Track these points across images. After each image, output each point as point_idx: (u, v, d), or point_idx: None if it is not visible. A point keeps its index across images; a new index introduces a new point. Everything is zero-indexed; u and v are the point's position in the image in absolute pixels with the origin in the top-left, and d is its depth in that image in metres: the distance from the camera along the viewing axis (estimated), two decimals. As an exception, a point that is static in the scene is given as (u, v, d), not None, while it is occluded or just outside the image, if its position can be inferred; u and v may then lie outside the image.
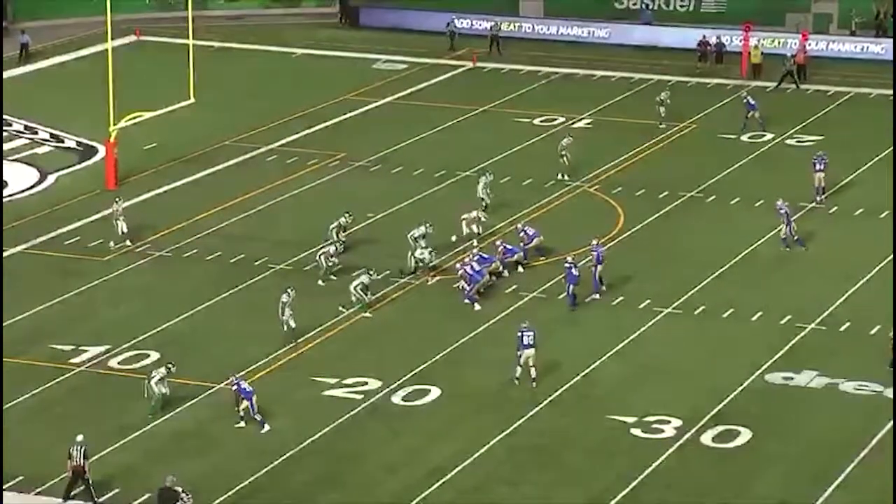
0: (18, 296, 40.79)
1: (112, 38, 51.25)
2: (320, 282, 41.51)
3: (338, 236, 43.08)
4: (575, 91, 59.95)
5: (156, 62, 61.24)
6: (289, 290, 38.05)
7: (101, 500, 31.46)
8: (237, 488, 31.94)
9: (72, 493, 31.37)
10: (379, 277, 40.52)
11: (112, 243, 43.99)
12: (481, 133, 54.87)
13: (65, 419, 34.55)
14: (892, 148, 51.50)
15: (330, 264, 41.67)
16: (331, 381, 36.58)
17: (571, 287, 40.02)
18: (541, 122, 55.81)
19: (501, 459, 33.24)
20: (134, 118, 50.87)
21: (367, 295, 39.73)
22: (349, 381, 36.57)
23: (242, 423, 34.19)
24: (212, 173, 51.01)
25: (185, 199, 48.55)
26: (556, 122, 55.56)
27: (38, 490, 31.60)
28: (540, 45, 66.15)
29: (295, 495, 31.75)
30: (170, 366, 35.19)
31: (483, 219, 44.52)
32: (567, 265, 40.12)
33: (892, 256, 42.74)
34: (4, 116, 56.31)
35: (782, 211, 43.53)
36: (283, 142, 53.85)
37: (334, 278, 41.59)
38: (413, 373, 36.92)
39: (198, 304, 40.49)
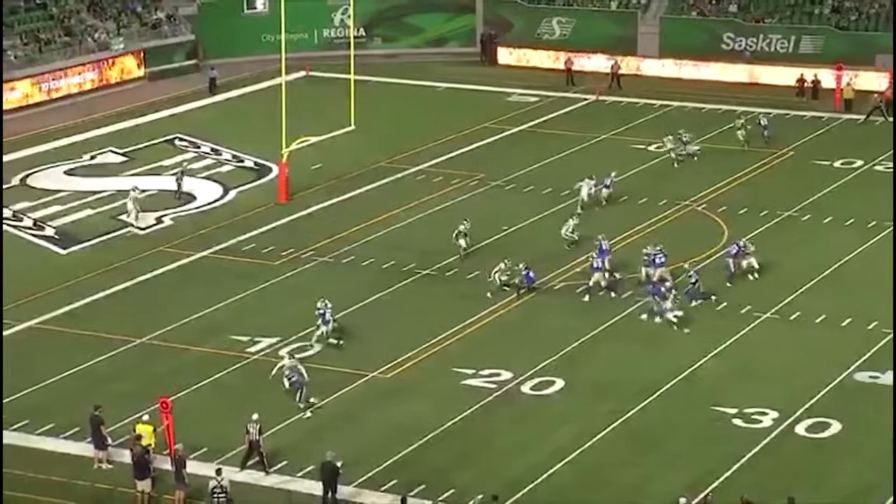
0: (203, 294, 41.33)
1: (285, 74, 51.82)
2: (489, 294, 40.90)
3: (458, 240, 42.92)
4: (685, 122, 59.21)
5: (322, 94, 61.70)
6: (292, 355, 35.73)
7: (271, 470, 31.78)
8: (385, 464, 32.03)
9: (248, 464, 31.74)
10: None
11: (134, 223, 46.06)
12: (602, 157, 54.40)
13: (241, 400, 34.94)
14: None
15: (503, 279, 40.87)
16: (468, 371, 36.55)
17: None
18: (655, 148, 55.22)
19: (615, 443, 32.95)
20: (303, 142, 51.34)
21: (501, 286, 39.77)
22: (484, 372, 36.50)
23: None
24: (368, 190, 51.29)
25: (344, 212, 48.86)
26: (668, 149, 54.91)
27: (219, 460, 31.98)
28: (655, 81, 65.53)
29: (434, 472, 31.73)
30: (292, 354, 35.45)
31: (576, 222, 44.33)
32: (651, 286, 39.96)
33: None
34: (196, 140, 57.27)
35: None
36: (429, 164, 53.97)
37: (507, 290, 40.87)
38: (541, 366, 36.75)
39: (354, 304, 40.66)
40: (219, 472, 29.98)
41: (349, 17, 62.68)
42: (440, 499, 30.19)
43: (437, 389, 35.74)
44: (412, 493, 30.34)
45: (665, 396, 35.14)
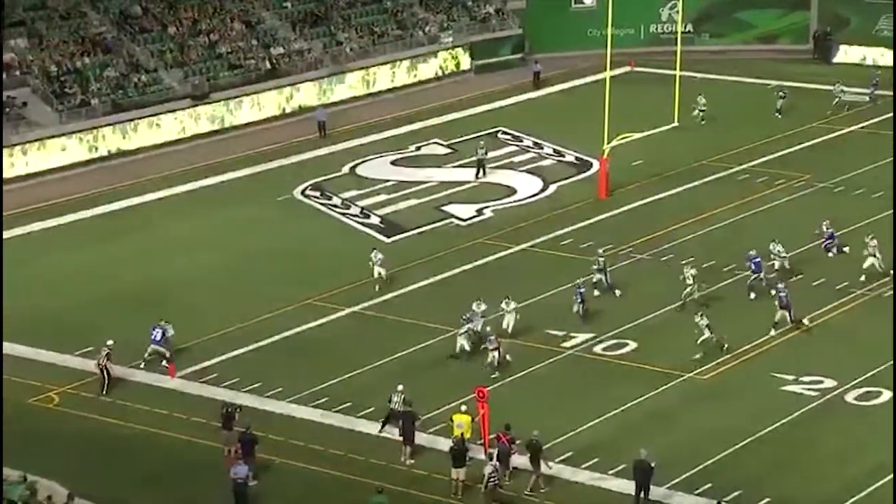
0: (520, 286, 41.45)
1: (609, 69, 51.67)
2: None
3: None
4: None
5: (645, 90, 61.24)
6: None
7: (582, 467, 31.66)
8: (700, 466, 31.54)
9: (383, 429, 33.09)
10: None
11: (376, 287, 41.51)
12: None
13: (555, 394, 35.08)
14: None
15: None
16: (789, 377, 35.56)
17: None
18: None
19: (946, 462, 31.38)
20: (624, 138, 51.12)
21: None
22: (805, 379, 35.45)
23: None
24: (688, 189, 50.61)
25: (664, 210, 48.36)
26: None
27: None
28: None
29: (750, 478, 31.03)
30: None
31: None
32: None
33: None
34: (518, 133, 57.87)
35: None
36: (754, 163, 52.80)
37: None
38: (867, 375, 35.35)
39: (671, 302, 40.14)
40: (491, 457, 30.58)
41: (678, 12, 61.96)
42: (755, 507, 29.54)
43: (755, 394, 34.94)
44: (727, 499, 29.78)
45: None
